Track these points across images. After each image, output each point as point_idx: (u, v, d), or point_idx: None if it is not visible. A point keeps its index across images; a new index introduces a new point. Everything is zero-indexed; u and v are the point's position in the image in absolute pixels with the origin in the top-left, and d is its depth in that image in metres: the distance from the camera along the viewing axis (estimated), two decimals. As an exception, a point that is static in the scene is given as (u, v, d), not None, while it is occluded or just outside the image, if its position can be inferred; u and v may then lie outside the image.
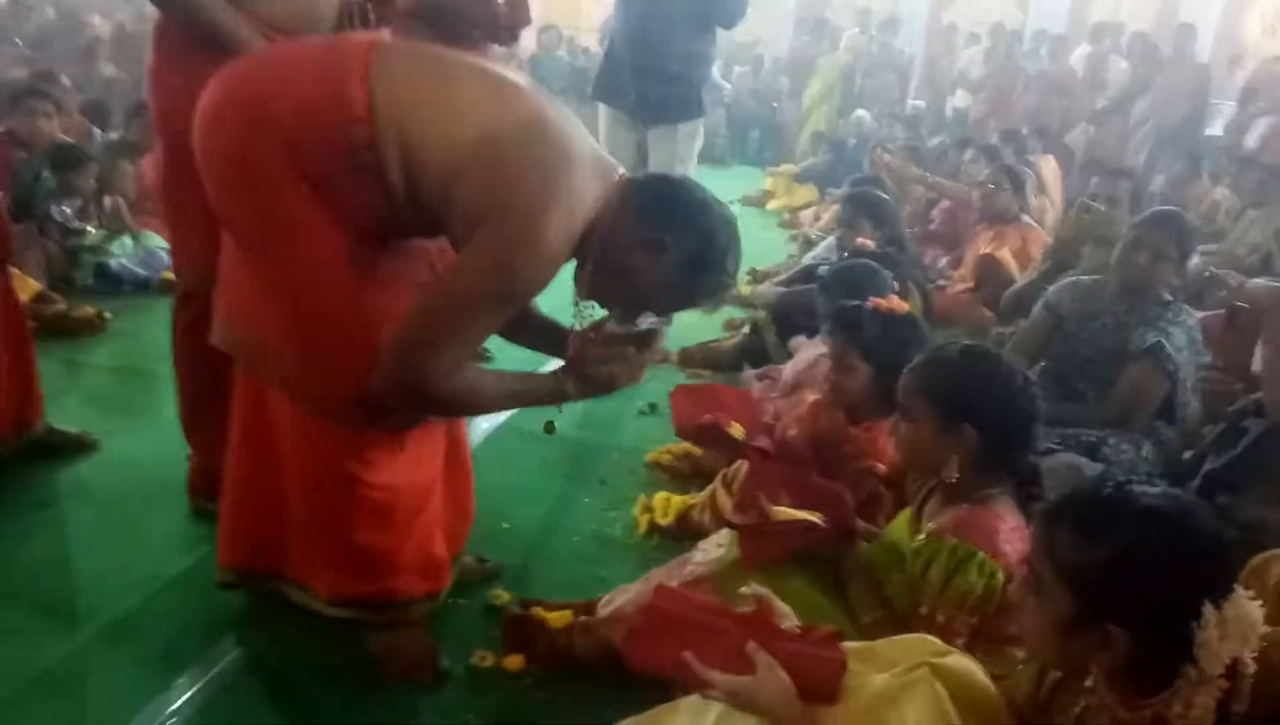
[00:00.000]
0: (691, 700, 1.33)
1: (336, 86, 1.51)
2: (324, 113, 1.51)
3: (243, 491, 1.84)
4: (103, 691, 1.72)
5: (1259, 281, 2.12)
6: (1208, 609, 1.00)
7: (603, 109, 3.84)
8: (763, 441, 2.20)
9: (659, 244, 1.60)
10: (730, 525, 1.77)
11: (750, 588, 1.37)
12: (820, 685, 1.16)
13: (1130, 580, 1.04)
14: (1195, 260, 3.80)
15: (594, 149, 1.65)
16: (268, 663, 1.83)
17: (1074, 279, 2.96)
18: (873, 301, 2.22)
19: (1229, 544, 1.08)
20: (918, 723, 1.11)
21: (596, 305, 1.74)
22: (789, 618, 1.30)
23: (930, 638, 1.28)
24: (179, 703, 1.69)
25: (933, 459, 1.63)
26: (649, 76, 3.59)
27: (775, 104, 10.91)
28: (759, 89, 11.08)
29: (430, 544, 1.84)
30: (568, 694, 1.77)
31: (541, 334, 1.89)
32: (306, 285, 1.60)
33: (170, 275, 3.99)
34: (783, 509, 1.73)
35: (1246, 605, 1.02)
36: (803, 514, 1.71)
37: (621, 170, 1.69)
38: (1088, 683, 1.10)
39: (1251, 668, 1.03)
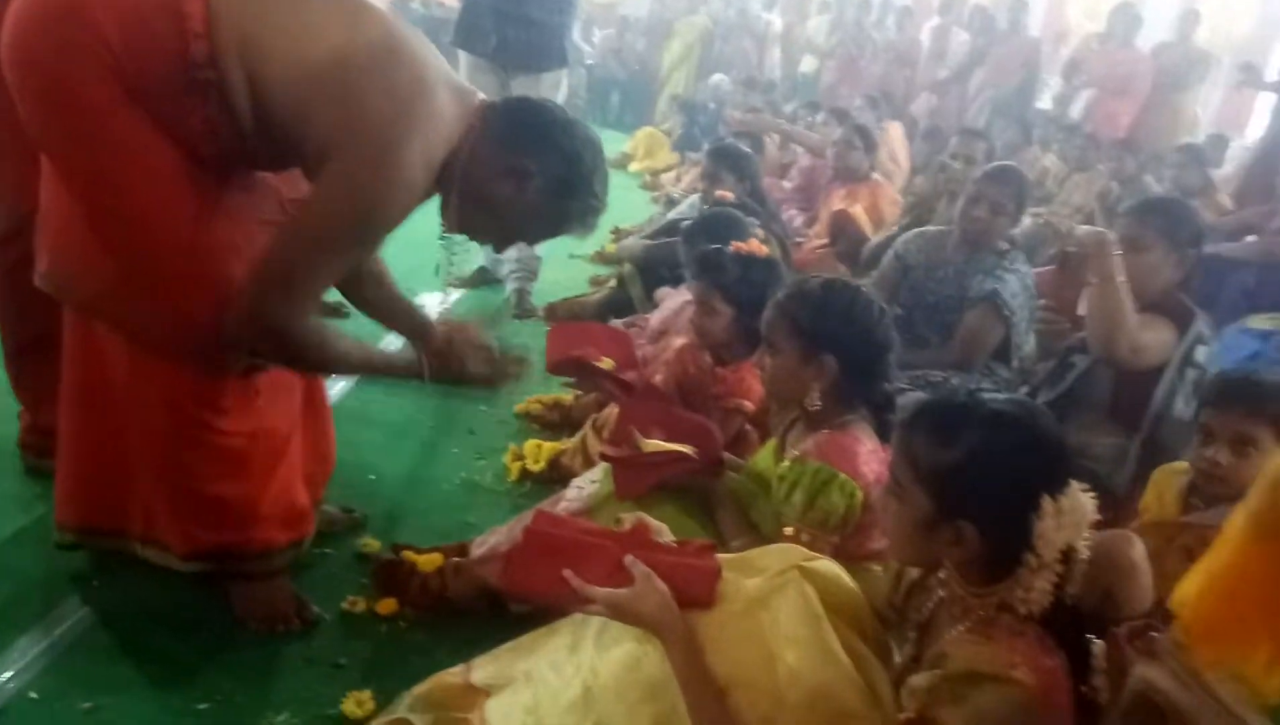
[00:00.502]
0: (571, 620, 1.36)
1: None
2: (154, 22, 1.39)
3: (79, 445, 1.71)
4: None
5: (1086, 227, 2.30)
6: (1045, 501, 1.09)
7: (464, 56, 3.74)
8: (631, 376, 2.23)
9: (524, 171, 1.57)
10: (604, 458, 1.80)
11: (625, 516, 1.40)
12: (696, 592, 1.21)
13: (978, 478, 1.12)
14: (1027, 220, 4.10)
15: (449, 74, 1.60)
16: (120, 619, 1.74)
17: (921, 230, 3.12)
18: (735, 245, 2.28)
19: (1065, 442, 1.19)
20: (789, 620, 1.17)
21: (466, 238, 1.71)
22: (664, 533, 1.34)
23: (796, 546, 1.35)
24: (21, 664, 1.58)
25: (795, 388, 1.70)
26: (512, 22, 3.54)
27: (637, 66, 10.94)
28: (620, 50, 11.06)
29: (291, 492, 1.76)
30: (443, 634, 1.77)
31: (402, 315, 1.85)
32: (142, 216, 1.48)
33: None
34: (654, 443, 1.77)
35: (1080, 497, 1.13)
36: (673, 446, 1.76)
37: (481, 96, 1.64)
38: (940, 574, 1.18)
39: (1084, 555, 1.14)
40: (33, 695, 1.52)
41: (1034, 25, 8.89)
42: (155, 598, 1.79)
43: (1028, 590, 1.11)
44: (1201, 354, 2.12)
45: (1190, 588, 1.39)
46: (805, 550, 1.30)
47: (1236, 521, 1.32)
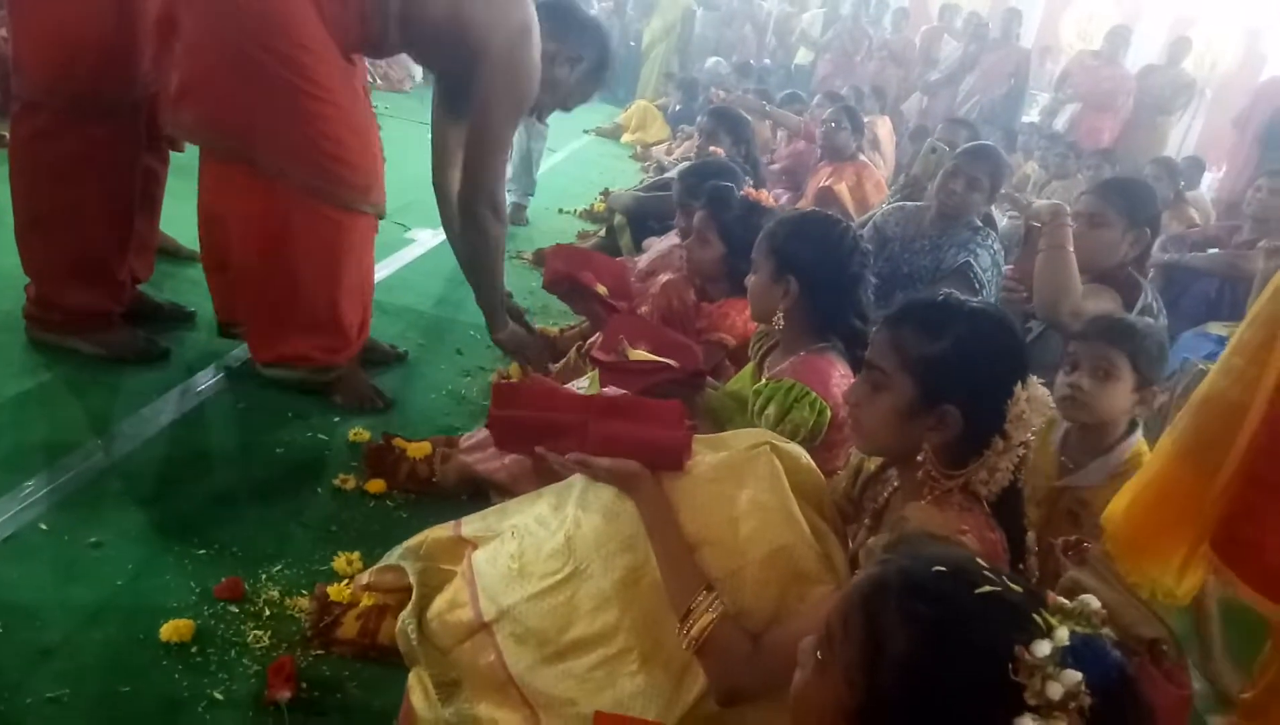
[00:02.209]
0: (554, 485, 1.47)
1: None
2: None
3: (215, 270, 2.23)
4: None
5: (1043, 201, 2.44)
6: (1018, 388, 1.23)
7: None
8: (623, 305, 2.34)
9: (575, 56, 2.42)
10: (592, 361, 1.91)
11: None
12: (666, 461, 1.32)
13: (965, 364, 1.25)
14: (1004, 222, 4.26)
15: None
16: (127, 471, 1.84)
17: (900, 204, 3.25)
18: (746, 190, 2.39)
19: (1024, 340, 1.32)
20: (756, 487, 1.29)
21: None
22: None
23: (767, 431, 1.47)
24: (31, 498, 1.67)
25: (765, 305, 1.83)
26: None
27: (632, 43, 11.00)
28: (622, 26, 11.12)
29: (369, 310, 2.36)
30: (428, 515, 1.86)
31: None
32: (324, 88, 2.01)
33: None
34: (640, 352, 1.89)
35: (1039, 387, 1.27)
36: (658, 358, 1.87)
37: None
38: (919, 457, 1.28)
39: (1033, 444, 1.27)
40: (42, 526, 1.62)
41: (1026, 37, 9.08)
42: (162, 454, 1.91)
43: (992, 471, 1.24)
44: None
45: (1118, 504, 1.54)
46: (777, 435, 1.42)
47: (1163, 443, 1.46)
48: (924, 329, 1.26)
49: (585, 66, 2.46)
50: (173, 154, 2.41)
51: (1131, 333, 1.82)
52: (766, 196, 2.40)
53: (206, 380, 2.25)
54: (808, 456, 1.40)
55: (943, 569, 0.85)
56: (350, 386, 2.28)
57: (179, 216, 2.45)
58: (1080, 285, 2.24)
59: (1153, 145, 7.71)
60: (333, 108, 2.03)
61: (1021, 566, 1.32)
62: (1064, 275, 2.22)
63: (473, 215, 2.29)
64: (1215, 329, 4.25)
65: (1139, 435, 1.84)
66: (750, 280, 1.87)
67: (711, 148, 3.52)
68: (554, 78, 2.39)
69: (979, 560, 0.86)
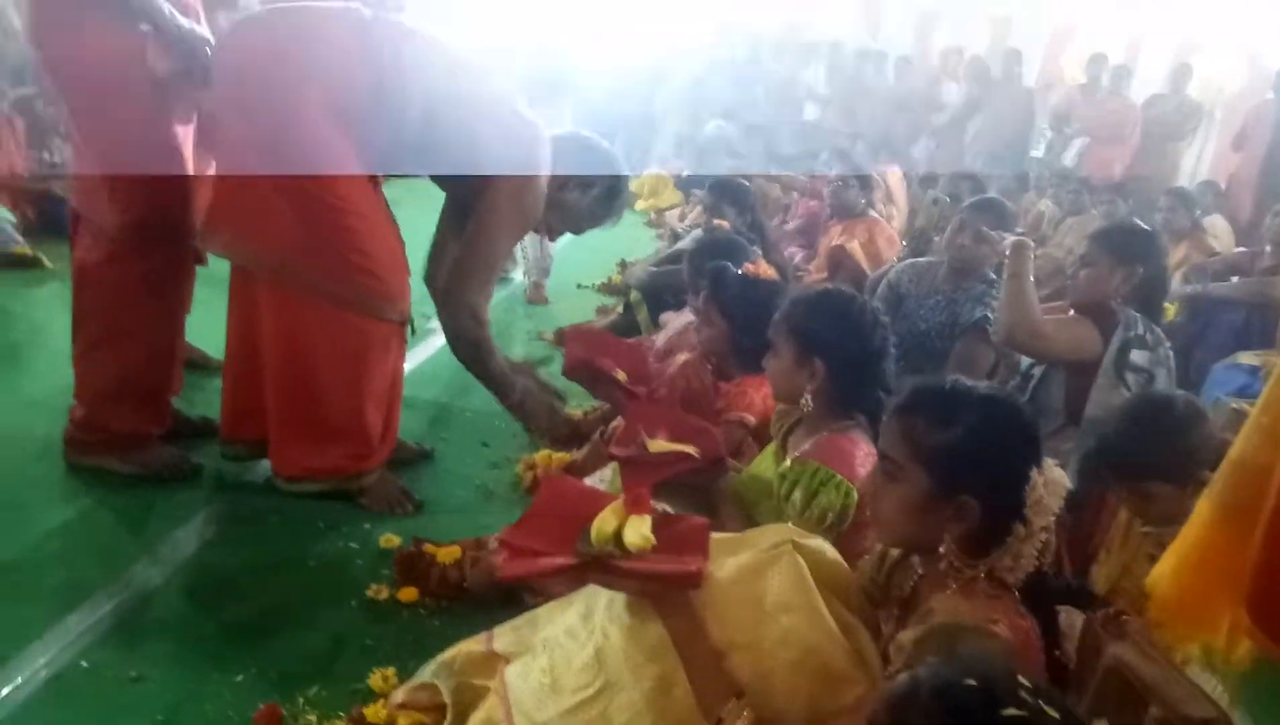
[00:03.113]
0: (584, 592, 1.48)
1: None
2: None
3: (238, 384, 2.28)
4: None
5: (1011, 237, 2.46)
6: (1034, 473, 1.23)
7: None
8: (641, 389, 2.36)
9: (588, 184, 2.45)
10: (611, 456, 1.92)
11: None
12: (683, 586, 1.32)
13: (979, 454, 1.24)
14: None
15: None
16: (163, 599, 1.87)
17: (912, 261, 3.27)
18: (746, 266, 2.42)
19: (1037, 423, 1.32)
20: (782, 588, 1.29)
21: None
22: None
23: (790, 526, 1.47)
24: (73, 635, 1.70)
25: (791, 388, 1.83)
26: None
27: (640, 109, 11.20)
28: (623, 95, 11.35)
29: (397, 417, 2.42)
30: (461, 621, 1.87)
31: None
32: (350, 206, 2.09)
33: (23, 250, 3.85)
34: (659, 443, 1.90)
35: (1055, 470, 1.27)
36: (678, 446, 1.88)
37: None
38: (940, 549, 1.28)
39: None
40: (84, 664, 1.64)
41: (1029, 75, 9.14)
42: (198, 578, 1.94)
43: (1016, 558, 1.24)
44: (1141, 358, 2.25)
45: (1162, 569, 1.51)
46: (798, 530, 1.42)
47: (1202, 506, 1.44)
48: (934, 418, 1.26)
49: (597, 192, 2.48)
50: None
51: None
52: (766, 269, 2.43)
53: (237, 496, 2.29)
54: (831, 549, 1.40)
55: (974, 683, 0.85)
56: (379, 491, 2.31)
57: (205, 325, 2.52)
58: (1037, 312, 2.31)
59: (1165, 172, 7.69)
60: (360, 220, 2.11)
61: (1058, 652, 1.30)
62: (1021, 300, 2.30)
63: (454, 319, 2.25)
64: (1246, 359, 4.19)
65: None
66: (771, 363, 1.88)
67: (716, 221, 3.56)
68: (564, 202, 2.43)
69: (1018, 676, 0.86)
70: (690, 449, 1.88)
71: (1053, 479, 1.23)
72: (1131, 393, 2.21)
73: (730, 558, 1.35)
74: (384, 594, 1.95)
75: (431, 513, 2.36)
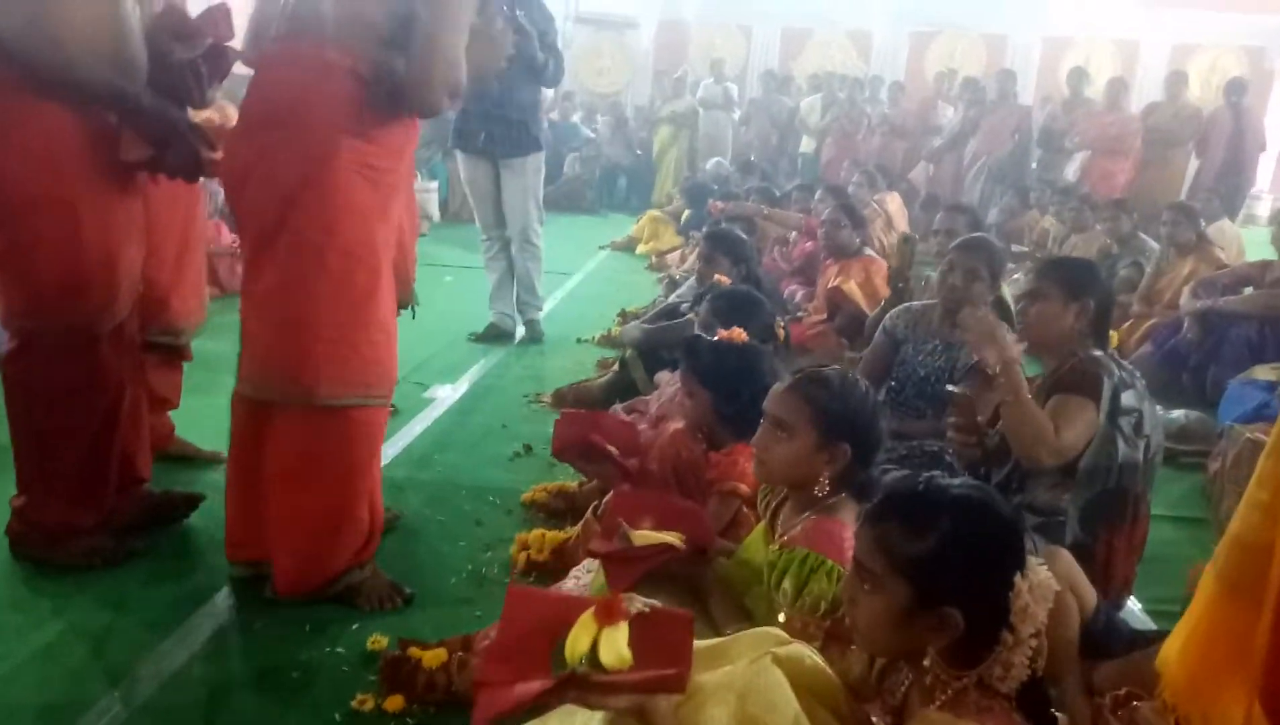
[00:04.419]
0: (559, 710, 1.41)
1: None
2: None
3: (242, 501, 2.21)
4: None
5: (990, 347, 2.19)
6: (1019, 579, 1.16)
7: (460, 155, 4.77)
8: (634, 462, 2.31)
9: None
10: (591, 554, 1.86)
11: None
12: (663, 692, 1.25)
13: (958, 564, 1.18)
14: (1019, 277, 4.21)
15: None
16: (143, 719, 1.81)
17: (906, 305, 3.21)
18: (719, 332, 2.37)
19: (1019, 521, 1.25)
20: (762, 707, 1.22)
21: None
22: (646, 602, 1.39)
23: (774, 630, 1.40)
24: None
25: (808, 473, 1.74)
26: (494, 121, 4.53)
27: (639, 152, 11.25)
28: (626, 137, 11.41)
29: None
30: (449, 729, 1.82)
31: None
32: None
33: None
34: (643, 533, 1.83)
35: (1041, 572, 1.19)
36: (662, 536, 1.82)
37: None
38: (925, 662, 1.21)
39: (1044, 627, 1.19)
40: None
41: (1025, 92, 9.12)
42: (178, 700, 1.89)
43: (1007, 668, 1.16)
44: (1129, 398, 2.15)
45: (1171, 647, 1.43)
46: (780, 634, 1.35)
47: (1206, 583, 1.37)
48: (908, 526, 1.19)
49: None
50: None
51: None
52: (739, 333, 2.38)
53: (219, 601, 2.24)
54: (812, 655, 1.33)
55: None
56: (370, 589, 2.25)
57: (193, 412, 2.48)
58: (1047, 423, 2.14)
59: (1170, 180, 7.63)
60: (381, 313, 2.11)
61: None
62: (1030, 424, 2.13)
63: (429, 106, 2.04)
64: (1262, 374, 4.09)
65: None
66: (779, 448, 1.76)
67: (716, 276, 3.50)
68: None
69: None
70: (674, 538, 1.81)
71: (1039, 583, 1.16)
72: (1126, 437, 2.13)
73: (710, 673, 1.29)
74: (369, 704, 1.88)
75: (422, 605, 2.29)
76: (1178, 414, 3.81)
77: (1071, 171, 7.95)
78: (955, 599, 1.16)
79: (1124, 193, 7.15)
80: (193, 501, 2.57)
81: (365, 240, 2.05)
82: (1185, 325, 4.53)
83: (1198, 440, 3.61)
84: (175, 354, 2.76)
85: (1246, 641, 1.30)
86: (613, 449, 2.37)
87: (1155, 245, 5.39)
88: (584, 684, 1.31)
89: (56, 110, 2.02)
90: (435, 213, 8.80)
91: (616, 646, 1.37)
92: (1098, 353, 2.23)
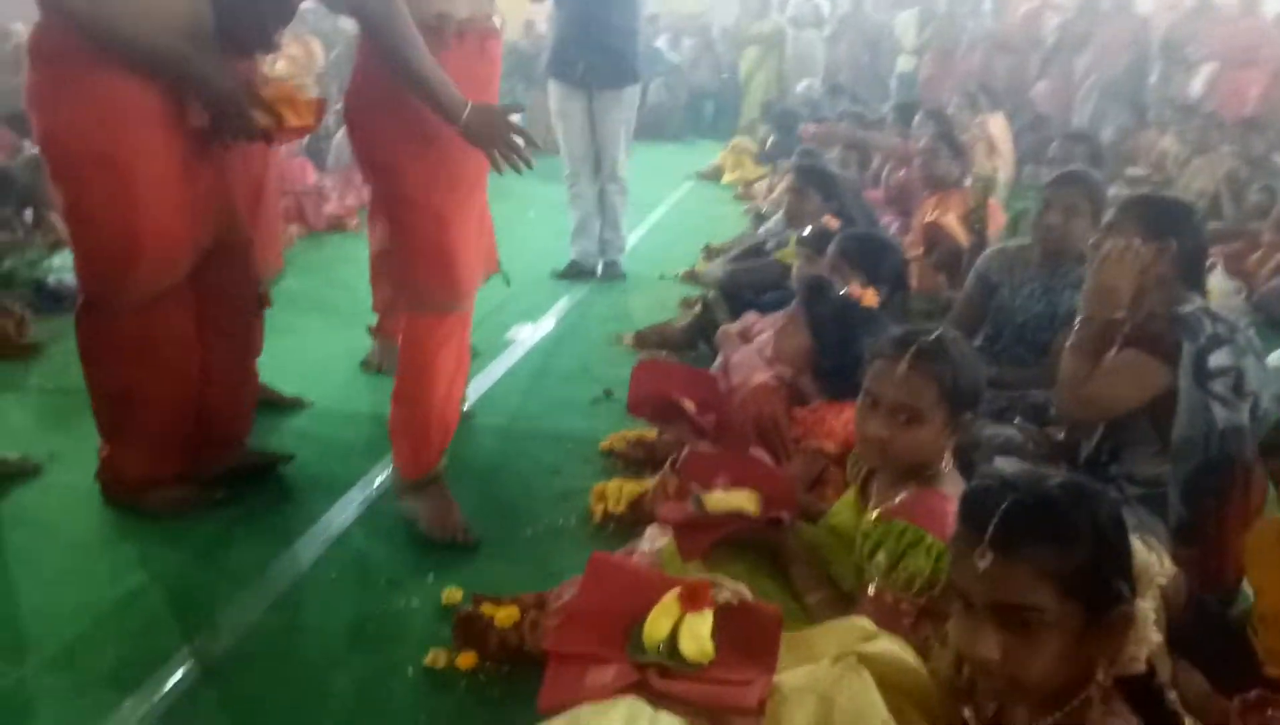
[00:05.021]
0: (628, 699, 1.34)
1: None
2: None
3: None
4: (44, 722, 1.71)
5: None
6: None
7: (553, 84, 4.53)
8: (710, 418, 2.21)
9: None
10: (661, 522, 1.78)
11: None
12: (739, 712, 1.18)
13: (1115, 554, 1.06)
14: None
15: None
16: (216, 677, 1.83)
17: (1000, 246, 2.98)
18: (851, 286, 2.24)
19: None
20: (845, 715, 1.12)
21: None
22: (743, 591, 1.31)
23: (861, 621, 1.30)
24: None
25: (934, 454, 1.59)
26: (593, 50, 4.30)
27: (726, 75, 10.88)
28: (712, 60, 11.04)
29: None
30: (520, 688, 1.77)
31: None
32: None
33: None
34: (717, 497, 1.73)
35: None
36: (737, 499, 1.72)
37: None
38: (1099, 677, 1.05)
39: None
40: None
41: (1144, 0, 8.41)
42: (255, 651, 1.90)
43: (1138, 644, 1.06)
44: (1222, 357, 1.89)
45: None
46: (868, 627, 1.25)
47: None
48: (1060, 540, 1.03)
49: None
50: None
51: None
52: (871, 296, 2.22)
53: (300, 552, 2.25)
54: (902, 650, 1.22)
55: None
56: (435, 506, 2.28)
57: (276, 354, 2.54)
58: (1081, 369, 1.98)
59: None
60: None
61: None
62: (1067, 366, 2.01)
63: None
64: None
65: None
66: (905, 437, 1.57)
67: (825, 218, 3.26)
68: None
69: None
70: (750, 501, 1.72)
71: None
72: (1223, 400, 1.90)
73: (796, 666, 1.19)
74: (441, 661, 1.86)
75: (497, 557, 2.26)
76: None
77: (1196, 86, 7.32)
78: (1122, 592, 1.04)
79: (1255, 110, 6.55)
80: (281, 460, 2.58)
81: None
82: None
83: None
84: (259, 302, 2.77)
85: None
86: (689, 404, 2.27)
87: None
88: (655, 689, 1.25)
89: (121, 73, 1.99)
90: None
91: (699, 637, 1.30)
92: (1185, 307, 1.95)
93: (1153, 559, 1.10)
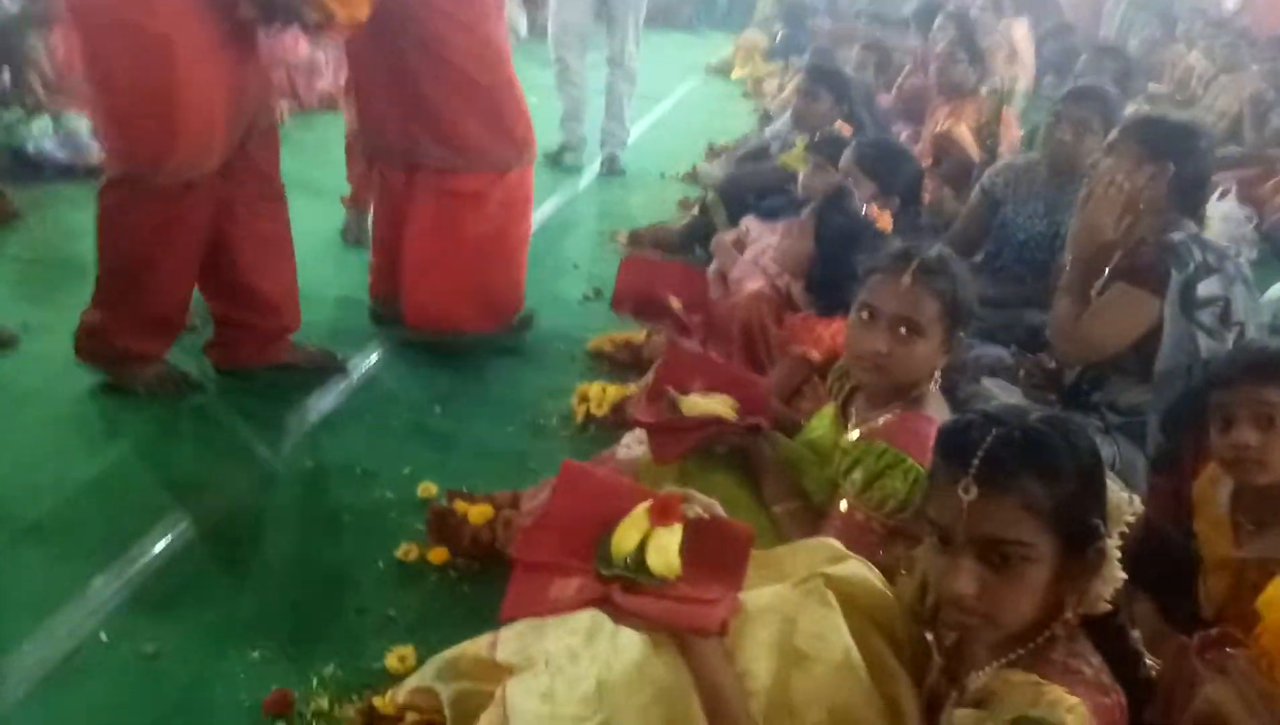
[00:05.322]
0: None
1: None
2: None
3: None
4: (18, 593, 1.71)
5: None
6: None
7: None
8: (696, 318, 2.17)
9: None
10: (635, 423, 1.76)
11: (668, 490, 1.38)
12: (699, 630, 1.17)
13: (1093, 488, 1.05)
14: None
15: None
16: (189, 560, 1.83)
17: (1007, 161, 2.90)
18: (871, 207, 2.17)
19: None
20: (809, 634, 1.13)
21: None
22: (714, 507, 1.30)
23: (830, 542, 1.28)
24: (95, 603, 1.68)
25: (927, 372, 1.57)
26: None
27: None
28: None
29: None
30: (489, 586, 1.77)
31: None
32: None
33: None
34: (692, 400, 1.71)
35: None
36: (712, 404, 1.70)
37: None
38: (1068, 615, 1.05)
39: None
40: (102, 637, 1.62)
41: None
42: (227, 533, 1.91)
43: (1105, 583, 1.05)
44: (1211, 286, 1.86)
45: (1277, 592, 1.27)
46: (836, 548, 1.24)
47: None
48: (1045, 474, 1.01)
49: None
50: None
51: (1276, 361, 1.49)
52: (886, 220, 2.14)
53: (278, 441, 2.24)
54: (869, 573, 1.21)
55: None
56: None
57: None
58: (1073, 310, 1.97)
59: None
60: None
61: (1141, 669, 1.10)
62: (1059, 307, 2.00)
63: None
64: None
65: None
66: (902, 347, 1.53)
67: (838, 123, 3.14)
68: None
69: None
70: (725, 407, 1.69)
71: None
72: (1209, 330, 1.86)
73: (763, 585, 1.19)
74: (413, 554, 1.86)
75: (474, 452, 2.25)
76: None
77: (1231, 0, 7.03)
78: (1098, 529, 1.02)
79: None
80: (338, 365, 2.54)
81: None
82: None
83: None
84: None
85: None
86: (676, 302, 2.23)
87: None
88: (618, 604, 1.24)
89: None
90: (523, 28, 8.37)
91: (666, 552, 1.28)
92: (1176, 235, 1.90)
93: (1124, 497, 1.08)
